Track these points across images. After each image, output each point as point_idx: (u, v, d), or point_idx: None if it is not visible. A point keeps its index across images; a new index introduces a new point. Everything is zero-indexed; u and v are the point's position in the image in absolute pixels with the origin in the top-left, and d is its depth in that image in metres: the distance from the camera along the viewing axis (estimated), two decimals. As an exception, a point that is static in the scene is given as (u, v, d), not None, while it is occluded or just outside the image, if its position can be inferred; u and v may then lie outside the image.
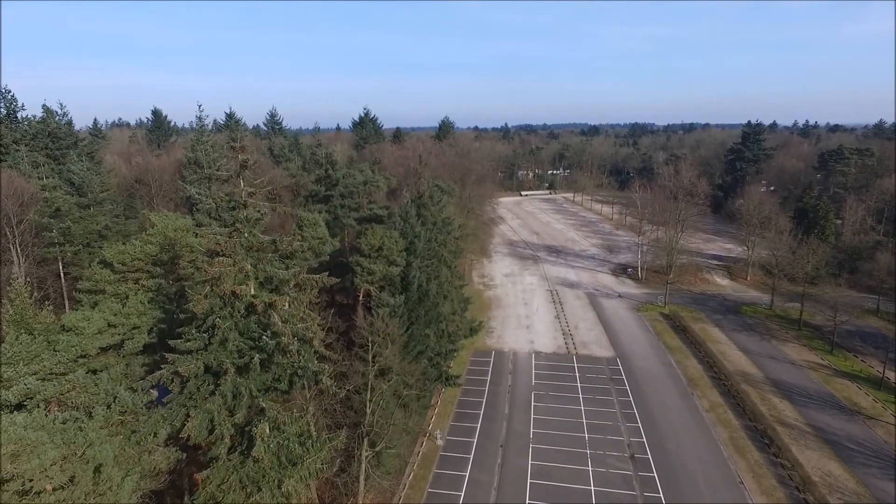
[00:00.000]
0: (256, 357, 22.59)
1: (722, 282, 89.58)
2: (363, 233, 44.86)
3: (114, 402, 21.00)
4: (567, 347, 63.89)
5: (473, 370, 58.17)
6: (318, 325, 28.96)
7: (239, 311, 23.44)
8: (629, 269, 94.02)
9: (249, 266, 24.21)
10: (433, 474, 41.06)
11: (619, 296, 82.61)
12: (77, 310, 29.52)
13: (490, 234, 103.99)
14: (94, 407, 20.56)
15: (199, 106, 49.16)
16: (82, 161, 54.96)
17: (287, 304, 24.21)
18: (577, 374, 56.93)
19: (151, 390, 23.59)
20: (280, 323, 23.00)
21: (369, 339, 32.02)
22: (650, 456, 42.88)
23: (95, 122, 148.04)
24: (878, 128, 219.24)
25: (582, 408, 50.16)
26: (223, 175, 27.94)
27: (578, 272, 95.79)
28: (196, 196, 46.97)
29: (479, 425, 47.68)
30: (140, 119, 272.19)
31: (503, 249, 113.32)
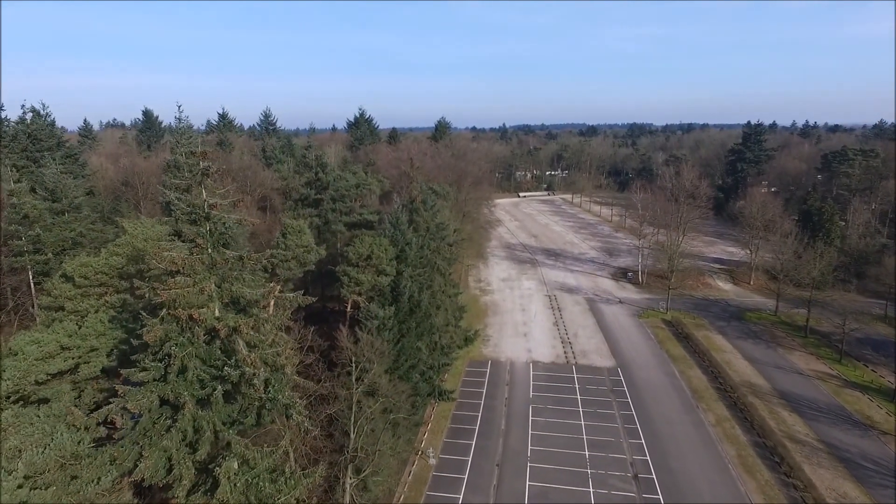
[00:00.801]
0: (219, 388, 20.17)
1: (725, 286, 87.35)
2: (353, 239, 42.48)
3: (50, 443, 18.54)
4: (566, 357, 61.55)
5: (469, 381, 55.77)
6: (296, 345, 26.63)
7: (199, 338, 21.01)
8: (629, 274, 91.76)
9: (213, 286, 21.82)
10: (425, 497, 38.66)
11: (620, 301, 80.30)
12: (31, 329, 27.12)
13: (487, 238, 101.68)
14: (24, 451, 18.09)
15: (179, 106, 46.56)
16: (56, 164, 52.45)
17: (255, 327, 21.80)
18: (577, 386, 54.58)
19: (99, 426, 21.12)
20: (245, 350, 20.57)
21: (353, 358, 29.63)
22: (654, 476, 40.56)
23: (86, 122, 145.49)
24: (879, 128, 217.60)
25: (582, 422, 47.82)
26: (181, 184, 25.46)
27: (577, 276, 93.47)
28: (176, 202, 44.40)
29: (474, 442, 45.28)
30: (136, 119, 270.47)
31: (500, 253, 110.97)
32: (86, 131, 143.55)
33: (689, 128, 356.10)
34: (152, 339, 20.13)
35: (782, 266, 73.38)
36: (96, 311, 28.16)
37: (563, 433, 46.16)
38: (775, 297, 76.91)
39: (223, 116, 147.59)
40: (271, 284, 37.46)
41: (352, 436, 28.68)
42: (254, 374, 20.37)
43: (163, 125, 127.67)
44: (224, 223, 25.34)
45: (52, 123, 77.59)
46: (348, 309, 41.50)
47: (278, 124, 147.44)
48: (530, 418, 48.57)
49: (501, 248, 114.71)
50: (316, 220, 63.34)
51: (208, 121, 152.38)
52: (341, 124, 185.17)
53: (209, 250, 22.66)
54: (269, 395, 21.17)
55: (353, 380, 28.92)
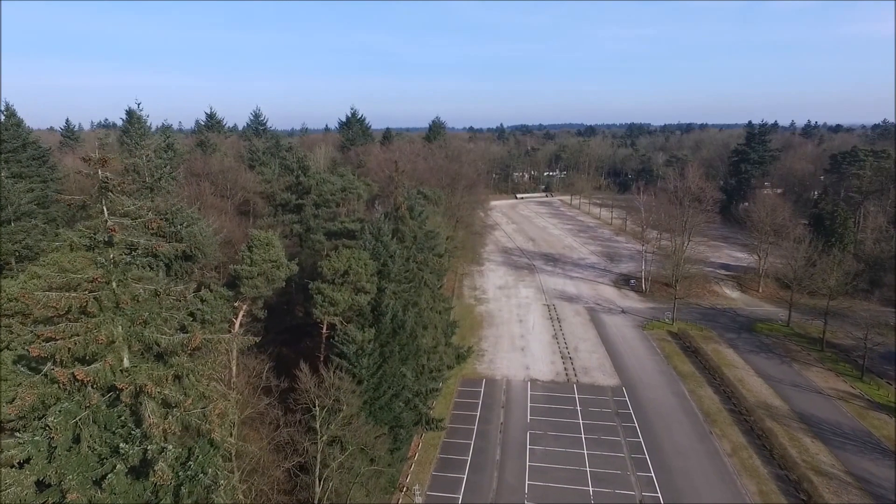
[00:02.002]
0: (119, 466, 15.72)
1: (732, 294, 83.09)
2: (329, 252, 38.00)
3: None
4: (567, 374, 57.15)
5: (461, 403, 51.33)
6: (245, 391, 22.25)
7: (93, 401, 16.43)
8: (632, 281, 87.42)
9: (119, 330, 17.30)
10: (409, 544, 34.32)
11: (623, 311, 75.94)
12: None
13: (482, 245, 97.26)
14: None
15: (139, 103, 42.37)
16: (6, 167, 47.90)
17: (179, 378, 17.36)
18: (579, 408, 50.19)
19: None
20: (156, 415, 16.04)
21: (316, 402, 25.21)
22: (667, 518, 36.22)
23: (68, 122, 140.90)
24: (884, 128, 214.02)
25: (585, 452, 43.42)
26: (75, 200, 20.89)
27: (577, 283, 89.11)
28: (133, 211, 39.94)
29: (465, 476, 40.82)
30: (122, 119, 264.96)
31: (497, 258, 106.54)
32: (68, 132, 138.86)
33: (687, 128, 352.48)
34: (20, 409, 15.47)
35: (795, 274, 69.10)
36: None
37: (564, 464, 41.77)
38: (786, 306, 72.73)
39: (211, 116, 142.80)
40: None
41: (317, 491, 24.31)
42: (161, 450, 15.84)
43: (148, 125, 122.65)
44: (135, 248, 20.63)
45: (19, 124, 72.74)
46: (324, 331, 37.10)
47: (270, 125, 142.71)
48: (528, 447, 44.16)
49: (498, 253, 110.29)
50: (297, 226, 58.92)
51: (197, 121, 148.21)
52: (335, 125, 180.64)
53: (114, 284, 18.05)
54: (188, 472, 16.71)
55: (318, 426, 24.51)
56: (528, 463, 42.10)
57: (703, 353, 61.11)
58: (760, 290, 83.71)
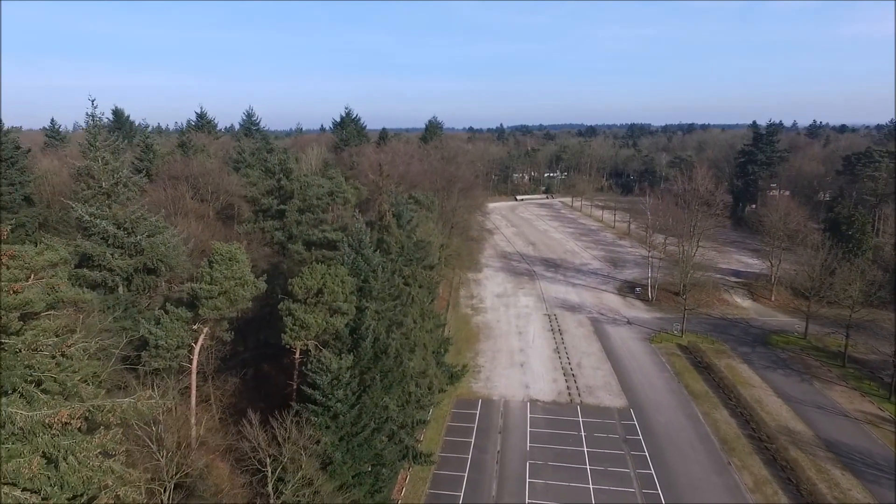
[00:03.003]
0: None
1: (743, 303, 78.72)
2: (303, 267, 33.65)
3: None
4: (569, 393, 52.83)
5: (454, 428, 46.98)
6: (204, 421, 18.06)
7: None
8: (637, 289, 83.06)
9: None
10: None
11: (628, 322, 71.59)
12: None
13: (479, 252, 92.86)
14: None
15: (93, 101, 37.77)
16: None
17: (45, 464, 13.14)
18: (583, 434, 45.85)
19: None
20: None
21: (268, 461, 20.94)
22: (685, 569, 31.88)
23: (53, 122, 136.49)
24: (889, 129, 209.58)
25: (590, 486, 39.12)
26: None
27: (580, 291, 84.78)
28: (87, 218, 35.77)
29: (457, 516, 36.57)
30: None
31: (495, 263, 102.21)
32: (53, 132, 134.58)
33: (689, 128, 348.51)
34: None
35: (813, 284, 64.73)
36: None
37: (567, 501, 37.46)
38: (801, 316, 68.63)
39: (201, 116, 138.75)
40: (197, 326, 28.80)
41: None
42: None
43: (135, 125, 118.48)
44: None
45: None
46: (296, 356, 32.83)
47: (264, 125, 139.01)
48: (527, 481, 39.83)
49: (497, 258, 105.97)
50: (279, 234, 54.65)
51: (188, 121, 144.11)
52: (330, 125, 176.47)
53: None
54: None
55: (272, 486, 20.29)
56: (527, 500, 37.79)
57: (716, 370, 56.80)
58: (773, 299, 79.37)
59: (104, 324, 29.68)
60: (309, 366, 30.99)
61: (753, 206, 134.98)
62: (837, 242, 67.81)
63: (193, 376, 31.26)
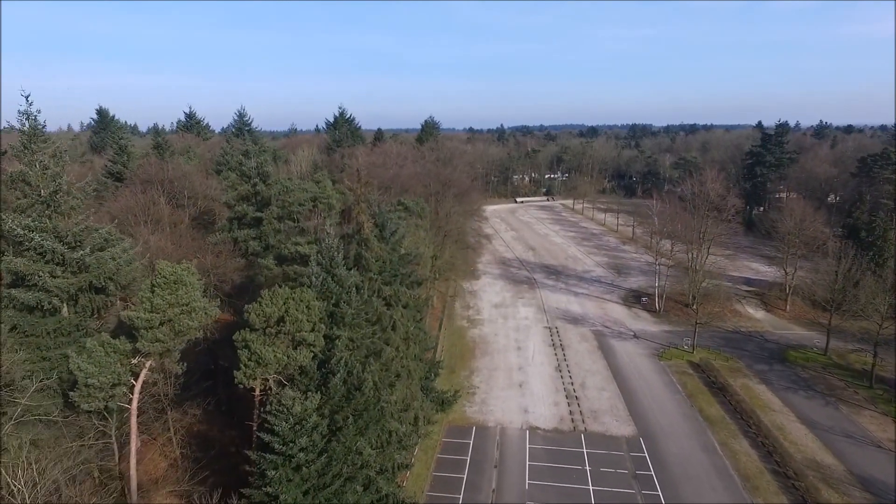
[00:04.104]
0: None
1: (756, 314, 73.98)
2: (273, 283, 29.01)
3: None
4: (573, 419, 48.16)
5: (445, 462, 42.27)
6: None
7: None
8: (644, 299, 78.36)
9: None
10: None
11: (635, 336, 66.88)
12: None
13: (477, 257, 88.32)
14: None
15: (27, 97, 33.30)
16: None
17: None
18: (588, 468, 41.18)
19: None
20: None
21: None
22: None
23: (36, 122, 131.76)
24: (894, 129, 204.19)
25: (597, 534, 34.44)
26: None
27: (583, 301, 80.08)
28: (19, 231, 31.15)
29: (445, 573, 31.91)
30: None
31: (494, 270, 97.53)
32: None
33: (691, 128, 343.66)
34: None
35: (834, 295, 60.06)
36: None
37: (571, 555, 32.82)
38: (819, 329, 64.24)
39: (190, 116, 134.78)
40: (137, 360, 24.16)
41: None
42: None
43: (119, 125, 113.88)
44: None
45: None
46: (257, 394, 28.20)
47: (257, 125, 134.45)
48: (526, 528, 35.19)
49: (495, 265, 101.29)
50: (254, 244, 50.01)
51: (179, 121, 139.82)
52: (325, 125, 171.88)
53: None
54: None
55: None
56: (525, 553, 33.15)
57: (731, 391, 52.14)
58: (788, 310, 74.65)
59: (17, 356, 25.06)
60: (269, 407, 26.32)
61: (761, 208, 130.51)
62: (861, 251, 63.01)
63: (133, 421, 26.69)
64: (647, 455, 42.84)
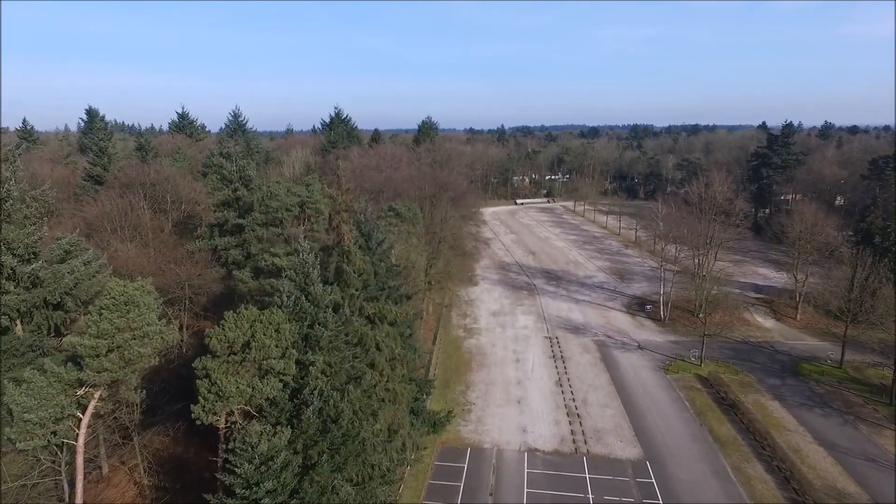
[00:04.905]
0: None
1: (766, 323, 70.87)
2: (228, 313, 25.88)
3: None
4: (574, 440, 45.09)
5: (436, 489, 39.20)
6: None
7: None
8: (648, 307, 75.25)
9: None
10: None
11: (639, 346, 63.82)
12: None
13: (472, 268, 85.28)
14: None
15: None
16: None
17: None
18: (591, 496, 38.16)
19: None
20: None
21: None
22: None
23: (25, 122, 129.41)
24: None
25: (602, 574, 31.37)
26: None
27: (584, 309, 77.00)
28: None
29: None
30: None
31: (493, 275, 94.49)
32: (25, 133, 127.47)
33: (693, 129, 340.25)
34: None
35: (850, 305, 56.97)
36: None
37: None
38: (831, 339, 61.46)
39: (182, 116, 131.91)
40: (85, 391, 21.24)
41: None
42: None
43: (101, 126, 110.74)
44: None
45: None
46: (222, 427, 25.19)
47: (253, 125, 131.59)
48: (523, 567, 32.13)
49: (494, 270, 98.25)
50: (235, 252, 47.01)
51: (172, 121, 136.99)
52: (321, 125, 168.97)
53: None
54: None
55: None
56: None
57: (742, 409, 49.11)
58: (798, 318, 71.56)
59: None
60: (230, 445, 23.29)
61: (766, 210, 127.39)
62: (879, 259, 59.87)
63: (80, 460, 23.65)
64: (654, 481, 39.77)
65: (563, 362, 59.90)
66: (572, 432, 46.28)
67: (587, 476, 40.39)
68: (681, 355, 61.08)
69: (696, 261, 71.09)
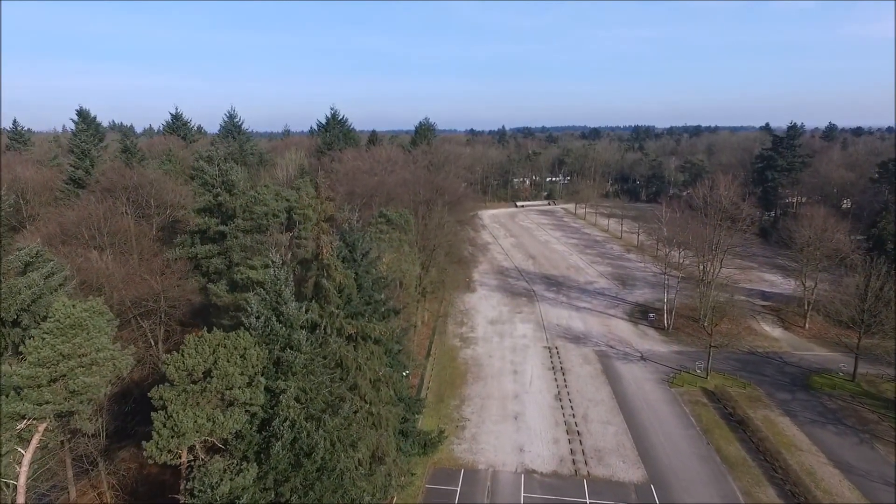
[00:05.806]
0: None
1: (774, 332, 68.31)
2: (187, 337, 23.40)
3: None
4: (574, 461, 42.58)
5: (427, 515, 36.81)
6: None
7: None
8: (651, 315, 72.72)
9: None
10: None
11: (642, 357, 61.31)
12: None
13: (469, 275, 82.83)
14: None
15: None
16: None
17: None
18: (592, 524, 35.64)
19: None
20: None
21: None
22: None
23: (15, 123, 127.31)
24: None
25: None
26: None
27: (585, 316, 74.51)
28: None
29: None
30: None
31: (491, 281, 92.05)
32: (16, 134, 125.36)
33: (695, 130, 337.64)
34: None
35: (863, 316, 54.40)
36: None
37: None
38: (843, 351, 58.87)
39: (176, 117, 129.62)
40: (27, 423, 18.86)
41: None
42: None
43: (83, 128, 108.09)
44: None
45: None
46: (182, 461, 22.81)
47: (249, 126, 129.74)
48: None
49: (493, 275, 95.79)
50: (217, 261, 44.61)
51: (165, 122, 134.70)
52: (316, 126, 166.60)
53: None
54: None
55: None
56: None
57: (751, 426, 46.62)
58: (807, 327, 68.98)
59: None
60: (188, 484, 20.84)
61: (771, 214, 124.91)
62: (893, 266, 57.31)
63: (21, 500, 21.22)
64: (659, 507, 37.29)
65: (563, 374, 57.42)
66: (572, 451, 43.79)
67: (587, 501, 37.89)
68: (685, 367, 58.58)
69: (701, 267, 68.62)
